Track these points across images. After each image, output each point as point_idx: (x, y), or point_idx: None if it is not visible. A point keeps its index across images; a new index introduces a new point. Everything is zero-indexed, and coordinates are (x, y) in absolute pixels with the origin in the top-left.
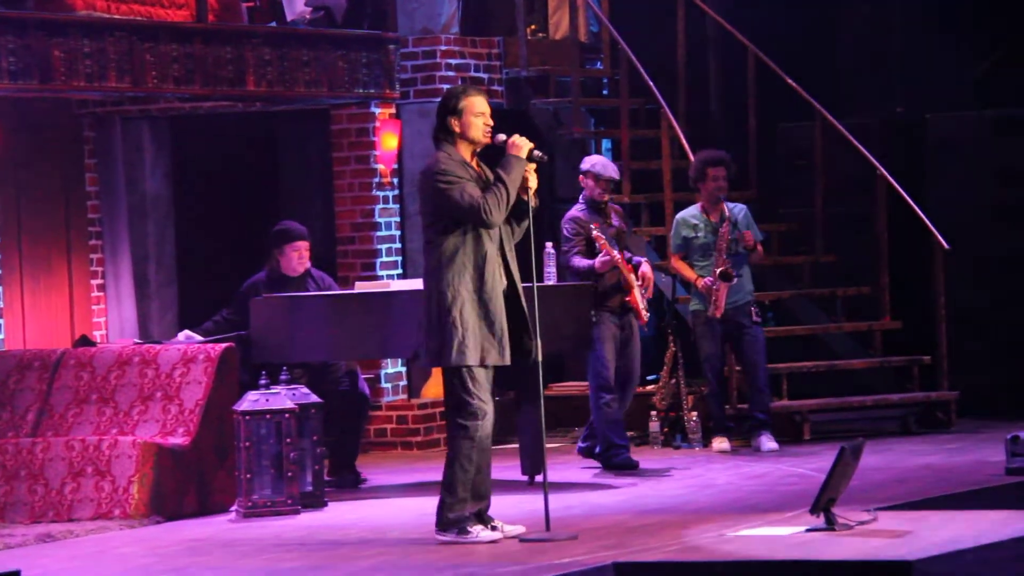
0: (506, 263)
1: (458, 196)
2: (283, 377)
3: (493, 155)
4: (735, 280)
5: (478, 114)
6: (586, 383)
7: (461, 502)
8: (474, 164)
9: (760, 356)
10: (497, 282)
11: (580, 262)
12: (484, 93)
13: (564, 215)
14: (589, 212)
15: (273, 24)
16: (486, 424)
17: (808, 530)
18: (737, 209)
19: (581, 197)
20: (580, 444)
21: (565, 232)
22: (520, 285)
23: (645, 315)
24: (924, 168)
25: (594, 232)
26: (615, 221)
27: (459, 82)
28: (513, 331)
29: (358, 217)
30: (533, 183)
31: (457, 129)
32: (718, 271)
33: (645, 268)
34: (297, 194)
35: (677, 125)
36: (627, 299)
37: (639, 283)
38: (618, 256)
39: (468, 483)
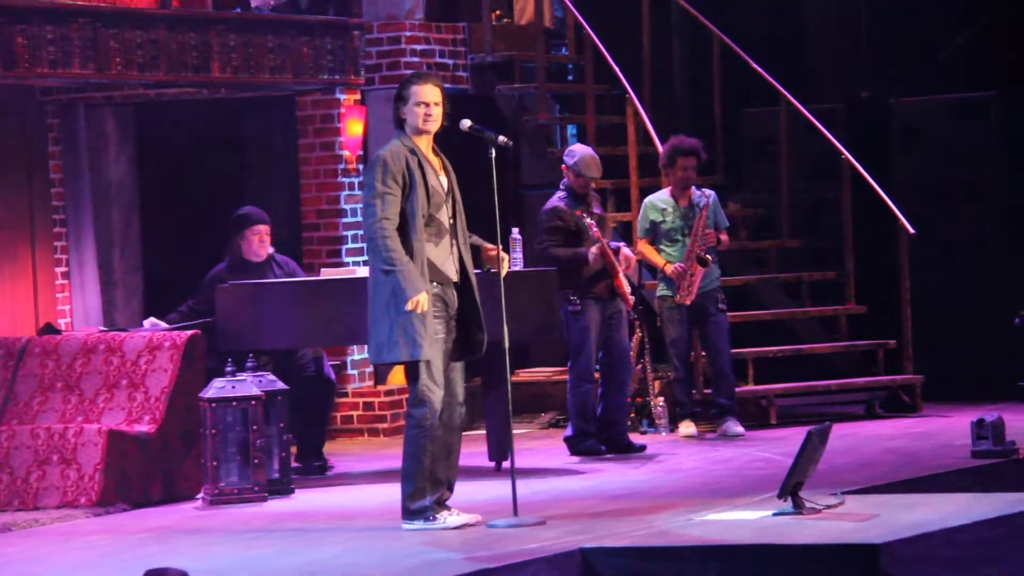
0: (460, 255)
1: (369, 201)
2: (249, 364)
3: (454, 141)
4: (711, 265)
5: (419, 103)
6: (552, 368)
7: (419, 491)
8: (429, 152)
9: (725, 342)
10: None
11: (561, 252)
12: (437, 80)
13: (544, 203)
14: (570, 201)
15: (238, 10)
16: (433, 410)
17: (775, 514)
18: (708, 195)
19: (562, 184)
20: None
21: (544, 223)
22: (473, 277)
23: (631, 298)
24: (889, 153)
25: (586, 220)
26: (596, 208)
27: (424, 68)
28: (465, 325)
29: (323, 204)
30: (505, 269)
31: (403, 116)
32: (695, 255)
33: (626, 251)
34: (262, 180)
35: (643, 111)
36: (615, 283)
37: (622, 265)
38: (603, 245)
39: (424, 472)
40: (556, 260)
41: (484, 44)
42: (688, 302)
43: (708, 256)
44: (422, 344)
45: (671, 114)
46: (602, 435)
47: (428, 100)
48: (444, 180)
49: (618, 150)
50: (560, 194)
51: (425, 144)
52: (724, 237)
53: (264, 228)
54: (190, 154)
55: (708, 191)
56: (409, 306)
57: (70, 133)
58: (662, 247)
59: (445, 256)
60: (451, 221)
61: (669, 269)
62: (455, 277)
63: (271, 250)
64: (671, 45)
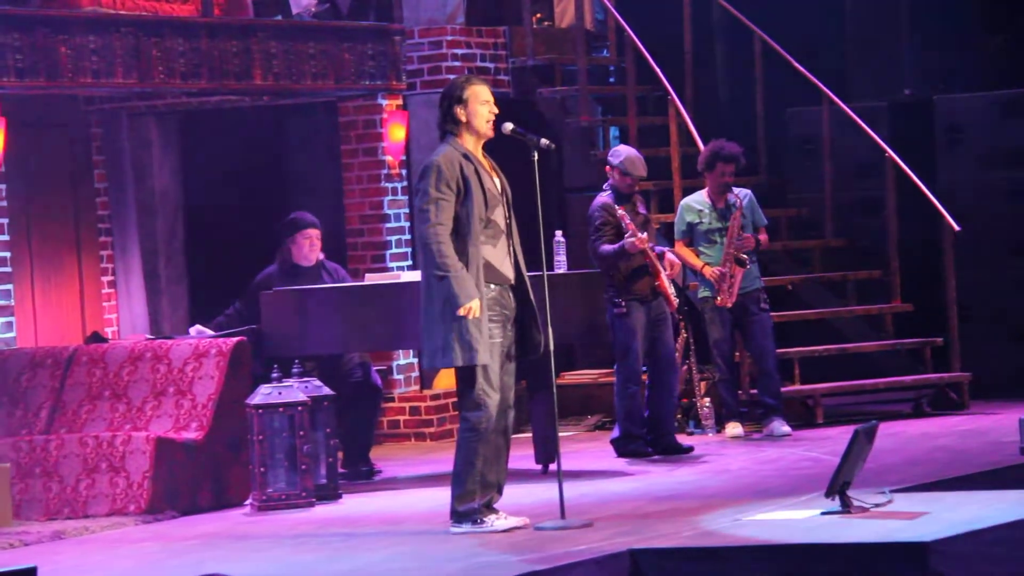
0: (515, 256)
1: (423, 206)
2: (295, 370)
3: (498, 144)
4: (749, 265)
5: (483, 102)
6: (598, 371)
7: (469, 494)
8: (480, 155)
9: (769, 341)
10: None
11: (607, 247)
12: (487, 82)
13: (589, 205)
14: (616, 199)
15: (279, 17)
16: (489, 415)
17: (823, 513)
18: (743, 195)
19: (607, 184)
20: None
21: (595, 221)
22: (527, 278)
23: (675, 300)
24: (933, 151)
25: (626, 220)
26: (640, 209)
27: (465, 72)
28: (522, 325)
29: (367, 209)
30: None
31: (464, 119)
32: (733, 256)
33: (671, 256)
34: (305, 187)
35: (685, 112)
36: (656, 283)
37: (666, 270)
38: (645, 236)
39: (475, 475)
40: (604, 257)
41: (525, 47)
42: (729, 304)
43: (745, 256)
44: (477, 348)
45: (713, 115)
46: (649, 436)
47: (491, 100)
48: (497, 181)
49: (660, 151)
50: (607, 193)
51: (475, 145)
52: (763, 236)
53: (315, 232)
54: (233, 162)
55: (743, 191)
56: (462, 312)
57: (114, 142)
58: (700, 249)
59: (503, 257)
60: (507, 222)
61: (708, 272)
62: (512, 278)
63: (322, 255)
64: (713, 45)
